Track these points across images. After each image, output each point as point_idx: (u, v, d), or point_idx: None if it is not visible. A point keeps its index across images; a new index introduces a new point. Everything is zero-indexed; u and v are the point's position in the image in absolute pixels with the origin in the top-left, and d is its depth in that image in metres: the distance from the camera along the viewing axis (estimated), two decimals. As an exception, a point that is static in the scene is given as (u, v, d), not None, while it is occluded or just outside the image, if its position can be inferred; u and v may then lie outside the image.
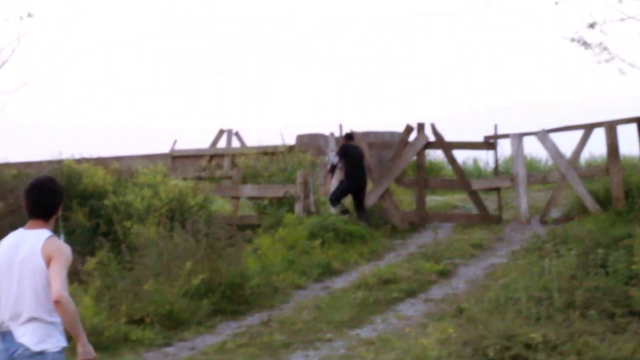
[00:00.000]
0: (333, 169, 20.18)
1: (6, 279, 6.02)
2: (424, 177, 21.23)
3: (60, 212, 6.25)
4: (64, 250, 6.01)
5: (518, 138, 20.75)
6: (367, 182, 20.16)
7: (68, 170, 20.77)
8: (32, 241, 6.01)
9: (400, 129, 22.03)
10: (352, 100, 49.30)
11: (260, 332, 12.17)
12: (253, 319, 13.07)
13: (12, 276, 5.99)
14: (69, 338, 6.14)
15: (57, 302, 5.83)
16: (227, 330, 12.51)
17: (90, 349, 6.02)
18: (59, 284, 5.84)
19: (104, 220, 19.24)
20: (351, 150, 19.98)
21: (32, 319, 5.94)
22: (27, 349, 5.91)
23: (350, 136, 20.48)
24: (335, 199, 19.75)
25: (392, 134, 26.09)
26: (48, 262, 5.94)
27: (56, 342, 5.98)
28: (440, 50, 48.65)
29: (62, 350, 6.02)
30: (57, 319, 5.98)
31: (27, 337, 5.93)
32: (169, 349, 11.62)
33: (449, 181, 22.67)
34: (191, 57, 50.97)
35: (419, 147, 21.21)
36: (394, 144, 22.38)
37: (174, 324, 12.40)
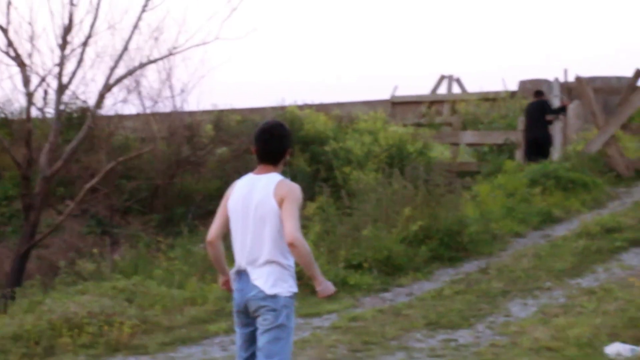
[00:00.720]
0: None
1: (242, 224, 6.06)
2: (653, 124, 20.42)
3: (288, 157, 6.28)
4: (295, 191, 5.99)
5: None
6: (545, 136, 19.45)
7: (291, 116, 21.17)
8: (264, 185, 6.02)
9: (629, 74, 21.27)
10: (576, 44, 47.96)
11: (478, 280, 12.06)
12: (471, 266, 12.97)
13: (248, 221, 6.02)
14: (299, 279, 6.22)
15: (291, 244, 5.83)
16: (444, 277, 12.46)
17: (329, 284, 6.03)
18: (292, 226, 5.84)
19: (324, 165, 19.56)
20: (527, 108, 19.44)
21: (269, 262, 5.96)
22: (261, 291, 5.94)
23: (539, 93, 19.83)
24: (526, 158, 19.15)
25: (619, 78, 25.18)
26: (280, 204, 5.93)
27: (288, 287, 5.99)
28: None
29: (294, 296, 6.03)
30: (291, 262, 6.01)
31: (262, 279, 5.96)
32: (387, 294, 11.68)
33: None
34: (411, 2, 50.81)
35: (648, 93, 20.37)
36: (621, 90, 21.59)
37: (391, 270, 12.46)
